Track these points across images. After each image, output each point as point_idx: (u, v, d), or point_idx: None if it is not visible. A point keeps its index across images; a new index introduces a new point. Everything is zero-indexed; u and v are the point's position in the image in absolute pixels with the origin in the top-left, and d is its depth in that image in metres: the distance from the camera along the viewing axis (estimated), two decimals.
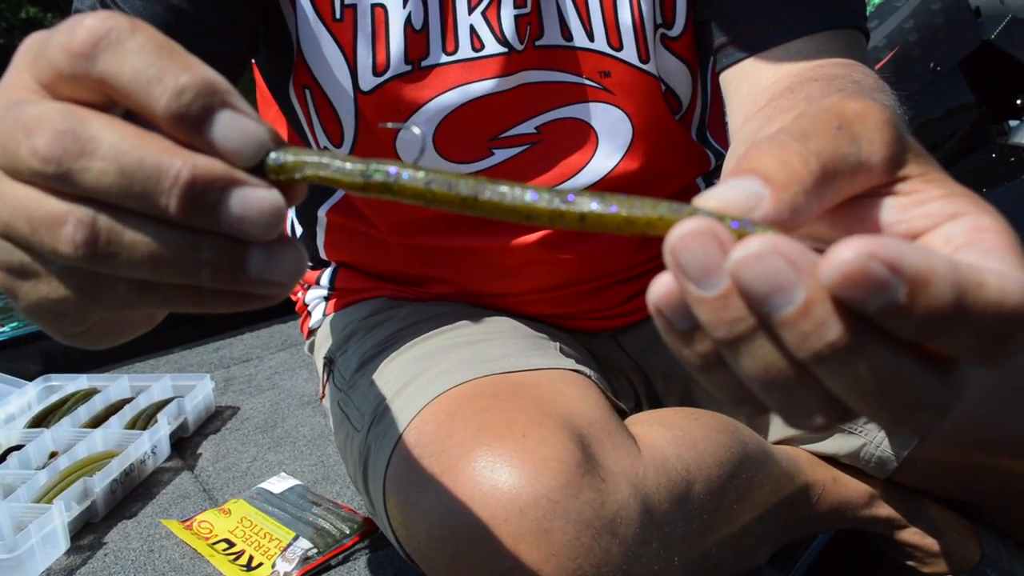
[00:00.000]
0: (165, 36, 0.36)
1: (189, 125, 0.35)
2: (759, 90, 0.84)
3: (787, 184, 0.35)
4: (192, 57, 0.36)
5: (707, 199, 0.35)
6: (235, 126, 0.36)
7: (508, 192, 0.36)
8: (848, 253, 0.30)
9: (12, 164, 0.36)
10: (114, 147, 0.35)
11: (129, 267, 0.36)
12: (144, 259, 0.36)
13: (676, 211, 0.35)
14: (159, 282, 0.37)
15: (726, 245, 0.33)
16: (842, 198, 0.37)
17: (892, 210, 0.37)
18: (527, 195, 0.36)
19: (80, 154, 0.35)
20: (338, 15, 0.92)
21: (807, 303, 0.31)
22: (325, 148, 1.02)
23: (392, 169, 0.37)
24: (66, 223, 0.36)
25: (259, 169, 0.37)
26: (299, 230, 1.19)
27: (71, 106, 0.36)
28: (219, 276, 0.37)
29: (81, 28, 0.36)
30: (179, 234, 0.36)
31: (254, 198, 0.36)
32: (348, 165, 0.37)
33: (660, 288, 0.35)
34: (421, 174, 0.37)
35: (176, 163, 0.35)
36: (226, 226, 0.36)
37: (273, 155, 0.37)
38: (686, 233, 0.33)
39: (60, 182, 0.35)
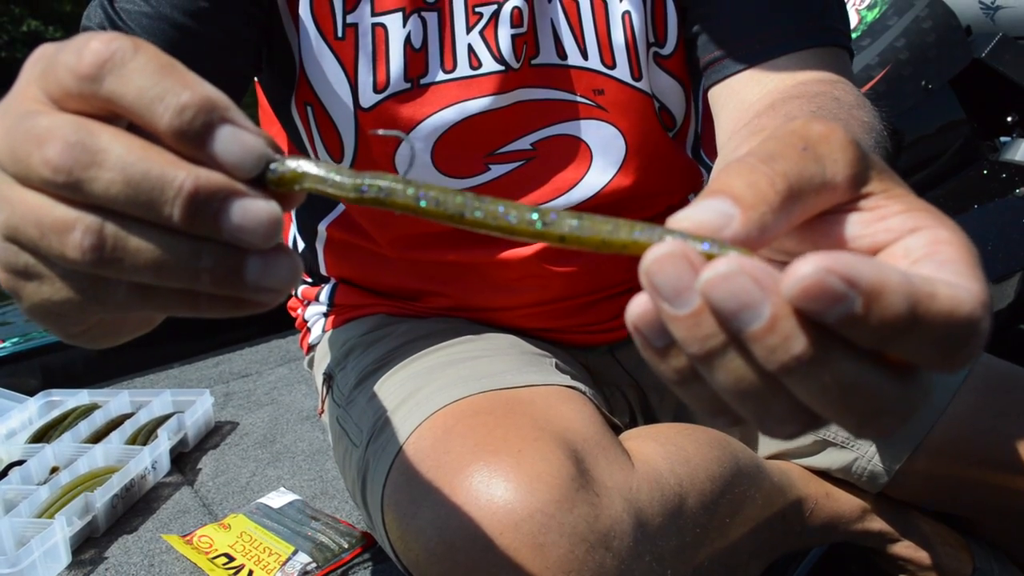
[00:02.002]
0: (167, 55, 0.38)
1: (191, 141, 0.37)
2: (744, 106, 0.87)
3: (755, 204, 0.36)
4: (192, 75, 0.38)
5: (680, 219, 0.37)
6: (235, 140, 0.37)
7: (492, 211, 0.38)
8: (807, 268, 0.32)
9: (23, 172, 0.38)
10: (121, 158, 0.36)
11: (133, 272, 0.38)
12: (147, 264, 0.37)
13: (650, 233, 0.37)
14: (158, 286, 0.39)
15: (697, 266, 0.35)
16: (808, 215, 0.39)
17: (856, 225, 0.39)
18: (510, 215, 0.38)
19: (89, 164, 0.36)
20: (340, 33, 0.94)
21: (773, 318, 0.33)
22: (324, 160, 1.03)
23: (385, 183, 0.38)
24: (74, 229, 0.37)
25: (259, 179, 0.38)
26: (301, 244, 1.21)
27: (81, 118, 0.38)
28: (218, 282, 0.38)
29: (87, 51, 0.37)
30: (181, 241, 0.37)
31: (253, 209, 0.37)
32: (343, 179, 0.39)
33: (637, 307, 0.37)
34: (411, 190, 0.38)
35: (180, 175, 0.36)
36: (226, 234, 0.37)
37: (272, 167, 0.38)
38: (659, 256, 0.35)
39: (69, 190, 0.37)
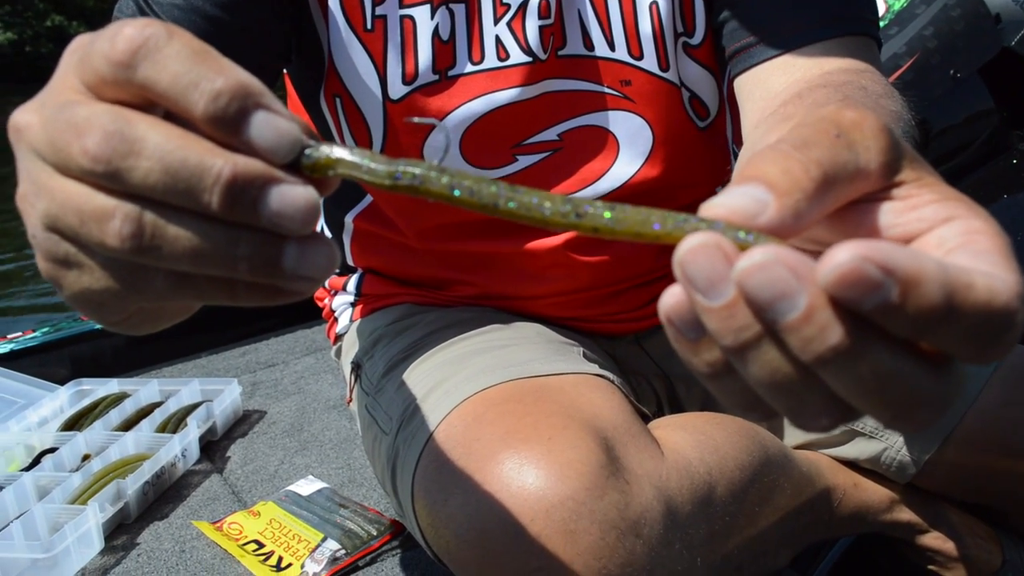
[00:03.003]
0: (200, 41, 0.38)
1: (226, 127, 0.37)
2: (770, 95, 0.86)
3: (790, 191, 0.36)
4: (226, 60, 0.38)
5: (714, 205, 0.37)
6: (270, 126, 0.37)
7: (526, 202, 0.38)
8: (843, 256, 0.32)
9: (63, 162, 0.38)
10: (160, 147, 0.37)
11: (171, 260, 0.38)
12: (186, 252, 0.38)
13: (684, 224, 0.37)
14: (196, 275, 0.39)
15: (731, 257, 0.35)
16: (841, 203, 0.38)
17: (889, 214, 0.39)
18: (544, 207, 0.38)
19: (128, 154, 0.37)
20: (369, 25, 0.95)
21: (809, 309, 0.33)
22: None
23: (419, 171, 0.38)
24: (114, 218, 0.37)
25: (294, 164, 0.38)
26: (328, 235, 1.22)
27: (119, 108, 0.38)
28: (255, 269, 0.38)
29: (121, 37, 0.37)
30: (219, 229, 0.37)
31: (291, 195, 0.37)
32: (378, 166, 0.39)
33: (670, 299, 0.37)
34: (445, 179, 0.38)
35: (218, 162, 0.36)
36: (265, 221, 0.37)
37: (307, 152, 0.38)
38: (693, 247, 0.35)
39: (109, 179, 0.37)
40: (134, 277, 0.40)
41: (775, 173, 0.37)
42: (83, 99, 0.39)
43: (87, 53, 0.39)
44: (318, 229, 1.25)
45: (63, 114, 0.38)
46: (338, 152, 0.39)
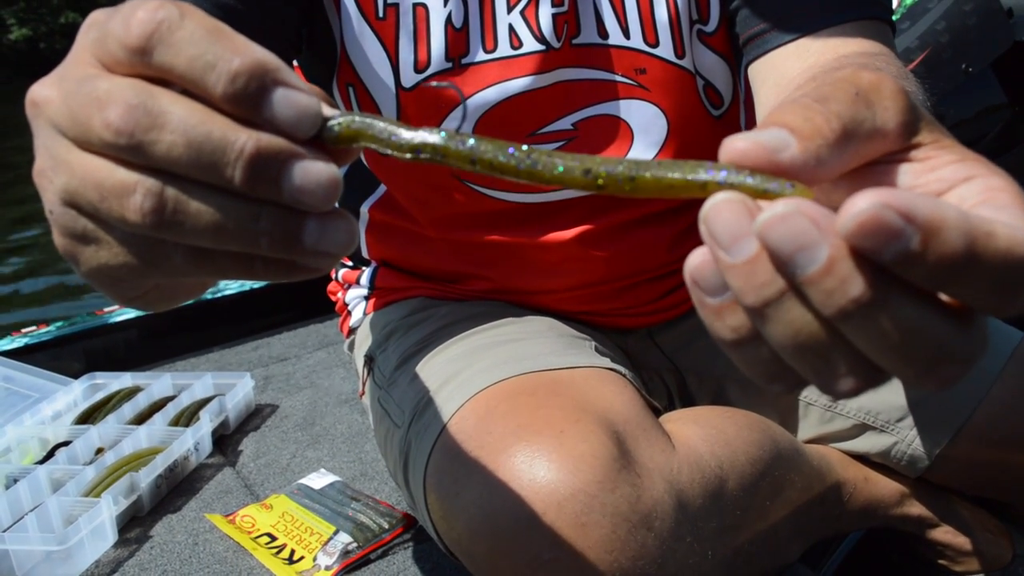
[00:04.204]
0: (214, 20, 0.38)
1: (246, 106, 0.37)
2: (785, 81, 0.86)
3: (812, 136, 0.36)
4: (241, 38, 0.38)
5: (738, 139, 0.37)
6: (290, 103, 0.37)
7: (547, 168, 0.39)
8: (863, 203, 0.31)
9: (83, 135, 0.38)
10: (183, 121, 0.36)
11: (192, 235, 0.38)
12: (207, 227, 0.37)
13: (703, 175, 0.37)
14: (214, 251, 0.39)
15: (754, 213, 0.35)
16: (860, 162, 0.39)
17: (907, 175, 0.39)
18: (563, 170, 0.39)
19: (151, 127, 0.36)
20: (381, 14, 0.95)
21: (830, 260, 0.33)
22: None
23: (438, 140, 0.39)
24: (135, 192, 0.37)
25: (315, 137, 0.39)
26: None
27: (140, 82, 0.38)
28: (275, 245, 0.38)
29: (135, 22, 0.37)
30: (240, 204, 0.37)
31: (313, 170, 0.37)
32: (400, 137, 0.39)
33: (695, 259, 0.37)
34: (465, 146, 0.39)
35: (241, 137, 0.36)
36: (287, 197, 0.37)
37: (329, 125, 0.39)
38: (717, 203, 0.35)
39: (131, 153, 0.37)
40: (153, 252, 0.40)
41: (798, 121, 0.37)
42: (103, 73, 0.39)
43: (103, 34, 0.39)
44: None
45: (84, 87, 0.38)
46: (358, 123, 0.39)
